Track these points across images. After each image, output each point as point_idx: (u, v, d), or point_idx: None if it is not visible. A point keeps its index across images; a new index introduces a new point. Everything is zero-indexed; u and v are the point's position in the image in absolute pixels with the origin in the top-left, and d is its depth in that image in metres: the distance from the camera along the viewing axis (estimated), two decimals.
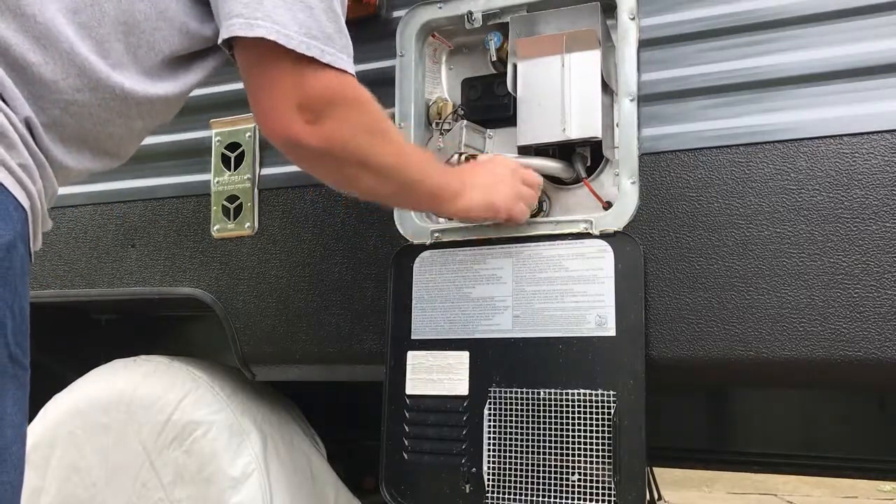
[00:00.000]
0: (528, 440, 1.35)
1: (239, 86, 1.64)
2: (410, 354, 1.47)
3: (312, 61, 1.05)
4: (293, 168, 1.58)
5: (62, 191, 1.63)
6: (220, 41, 1.06)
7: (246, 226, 1.65)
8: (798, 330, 1.24)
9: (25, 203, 0.97)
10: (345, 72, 1.09)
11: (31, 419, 1.70)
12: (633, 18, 1.37)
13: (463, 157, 1.45)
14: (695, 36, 1.33)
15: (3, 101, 0.96)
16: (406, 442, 1.45)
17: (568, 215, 1.42)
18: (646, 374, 1.30)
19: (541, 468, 1.34)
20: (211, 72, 1.18)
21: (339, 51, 1.07)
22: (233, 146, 1.67)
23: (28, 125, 0.99)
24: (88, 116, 1.04)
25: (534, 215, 1.43)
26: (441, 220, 1.52)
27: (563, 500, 1.32)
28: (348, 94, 1.11)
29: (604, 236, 1.37)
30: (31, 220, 0.99)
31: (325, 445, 1.84)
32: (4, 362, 0.91)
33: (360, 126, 1.13)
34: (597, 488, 1.30)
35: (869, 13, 1.23)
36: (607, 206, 1.40)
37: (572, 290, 1.37)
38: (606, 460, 1.29)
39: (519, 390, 1.38)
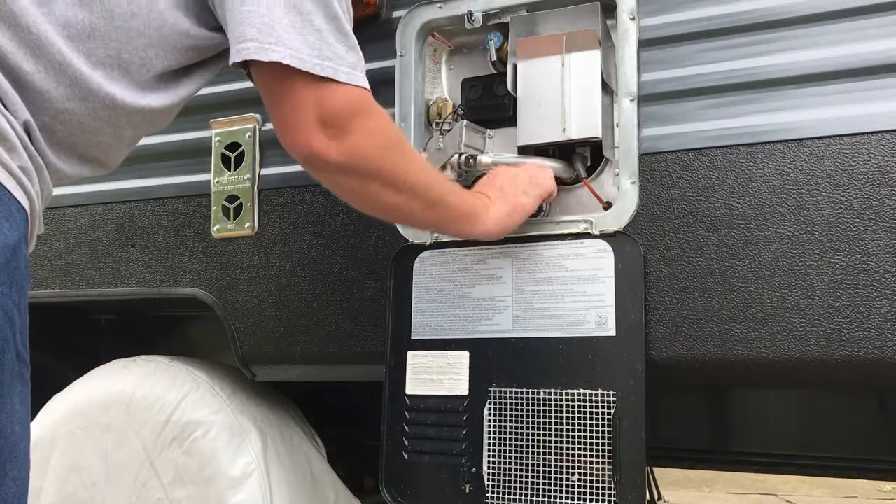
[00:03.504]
0: (528, 440, 1.35)
1: (239, 86, 1.66)
2: (410, 354, 1.47)
3: (328, 80, 1.06)
4: (293, 168, 1.58)
5: (63, 191, 1.63)
6: (231, 62, 1.07)
7: (246, 226, 1.65)
8: (798, 330, 1.24)
9: (26, 205, 0.98)
10: (361, 87, 1.10)
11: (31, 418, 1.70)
12: (633, 18, 1.37)
13: (463, 157, 1.45)
14: (695, 36, 1.33)
15: (3, 105, 0.98)
16: (406, 442, 1.45)
17: (568, 215, 1.42)
18: (646, 374, 1.30)
19: (541, 468, 1.34)
20: (204, 83, 1.19)
21: (351, 68, 1.09)
22: (233, 146, 1.67)
23: (26, 129, 1.00)
24: (78, 125, 1.05)
25: (534, 215, 1.43)
26: None
27: (563, 500, 1.32)
28: (367, 109, 1.12)
29: (604, 236, 1.37)
30: (30, 222, 1.00)
31: (325, 445, 1.84)
32: (13, 361, 0.93)
33: (381, 141, 1.14)
34: (597, 488, 1.30)
35: (869, 13, 1.23)
36: (607, 206, 1.40)
37: (572, 290, 1.37)
38: (606, 460, 1.29)
39: (519, 390, 1.38)
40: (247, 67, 1.10)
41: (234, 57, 1.06)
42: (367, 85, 1.11)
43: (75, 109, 1.04)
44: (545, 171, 1.40)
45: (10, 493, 0.92)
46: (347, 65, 1.08)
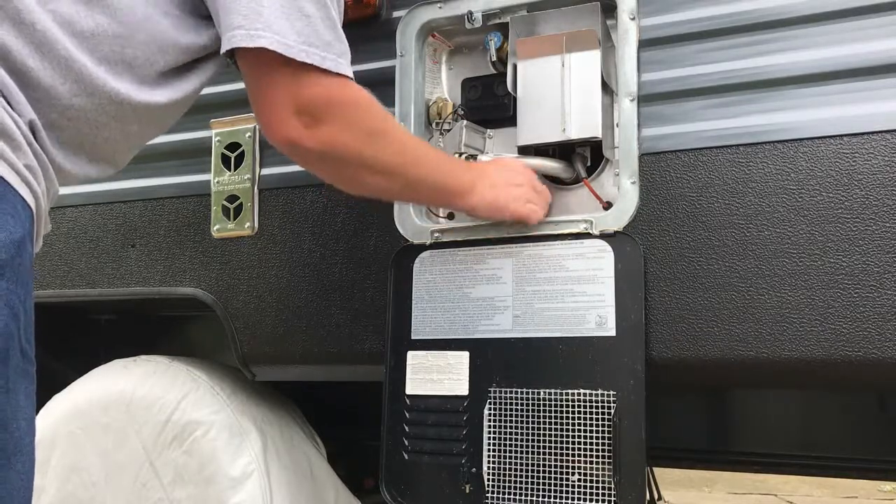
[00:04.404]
0: (528, 440, 1.35)
1: (239, 86, 1.65)
2: (410, 354, 1.47)
3: (311, 68, 1.07)
4: (293, 168, 1.58)
5: (63, 191, 1.64)
6: (222, 52, 1.08)
7: (246, 226, 1.65)
8: (798, 330, 1.24)
9: (31, 203, 0.99)
10: (344, 76, 1.11)
11: None
12: (633, 18, 1.37)
13: (463, 157, 1.45)
14: (695, 36, 1.33)
15: (8, 103, 0.98)
16: (406, 442, 1.45)
17: (568, 215, 1.42)
18: (646, 374, 1.30)
19: (541, 468, 1.34)
20: (208, 79, 1.20)
21: (337, 56, 1.10)
22: (233, 146, 1.67)
23: (31, 128, 1.01)
24: (85, 121, 1.05)
25: None
26: (441, 220, 1.52)
27: (563, 500, 1.32)
28: (346, 98, 1.13)
29: (604, 236, 1.37)
30: (35, 221, 1.00)
31: (325, 445, 1.84)
32: (18, 357, 0.94)
33: (358, 127, 1.15)
34: (597, 488, 1.30)
35: (869, 13, 1.23)
36: (607, 206, 1.40)
37: (572, 290, 1.37)
38: (606, 460, 1.29)
39: (519, 390, 1.38)
40: (233, 57, 1.11)
41: (225, 45, 1.07)
42: (350, 73, 1.12)
43: (82, 105, 1.04)
44: (541, 203, 1.40)
45: (16, 486, 0.93)
46: (334, 52, 1.09)
